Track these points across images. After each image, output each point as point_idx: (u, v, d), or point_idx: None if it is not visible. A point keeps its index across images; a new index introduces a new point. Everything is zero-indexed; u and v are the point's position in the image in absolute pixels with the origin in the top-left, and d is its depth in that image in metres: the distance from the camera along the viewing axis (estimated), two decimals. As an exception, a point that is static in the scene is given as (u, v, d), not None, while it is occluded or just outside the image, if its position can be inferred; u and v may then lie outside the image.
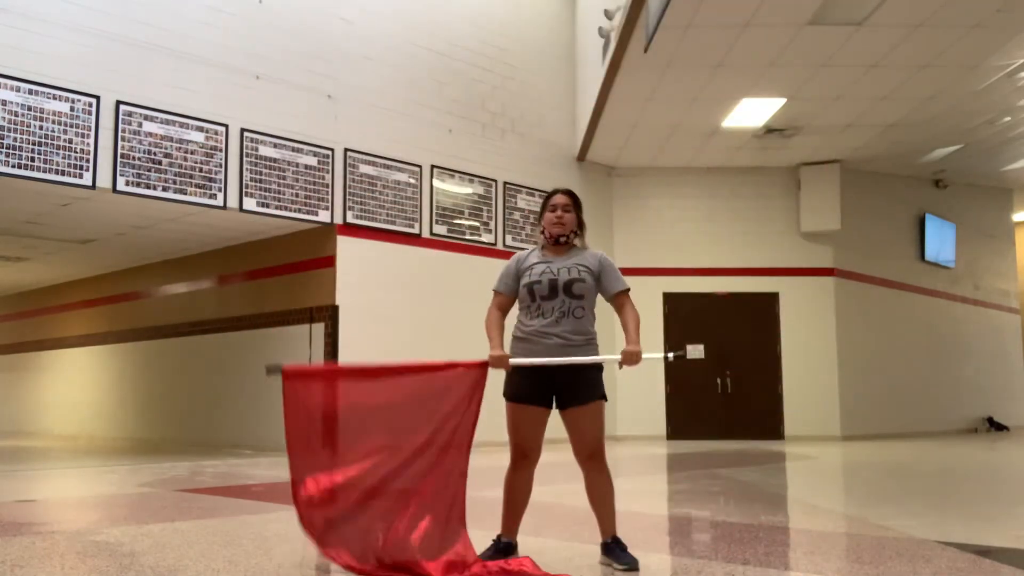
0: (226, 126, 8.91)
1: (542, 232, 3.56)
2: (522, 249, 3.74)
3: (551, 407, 3.40)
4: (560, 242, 3.51)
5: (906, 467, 8.74)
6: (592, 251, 3.55)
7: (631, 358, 3.31)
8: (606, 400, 3.41)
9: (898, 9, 8.06)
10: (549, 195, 3.60)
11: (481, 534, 3.72)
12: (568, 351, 3.34)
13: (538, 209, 3.68)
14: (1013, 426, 16.44)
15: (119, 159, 8.15)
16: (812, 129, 11.60)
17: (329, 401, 3.29)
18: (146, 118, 8.35)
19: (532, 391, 3.37)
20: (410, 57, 10.65)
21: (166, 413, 12.33)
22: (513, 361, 3.34)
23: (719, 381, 12.87)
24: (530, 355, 3.37)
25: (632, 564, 3.23)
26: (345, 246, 9.84)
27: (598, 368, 3.41)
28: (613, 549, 3.32)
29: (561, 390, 3.36)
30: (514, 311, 3.60)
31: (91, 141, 8.00)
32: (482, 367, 3.32)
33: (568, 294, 3.38)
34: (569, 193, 3.58)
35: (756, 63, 9.43)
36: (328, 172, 9.72)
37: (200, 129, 8.72)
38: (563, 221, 3.50)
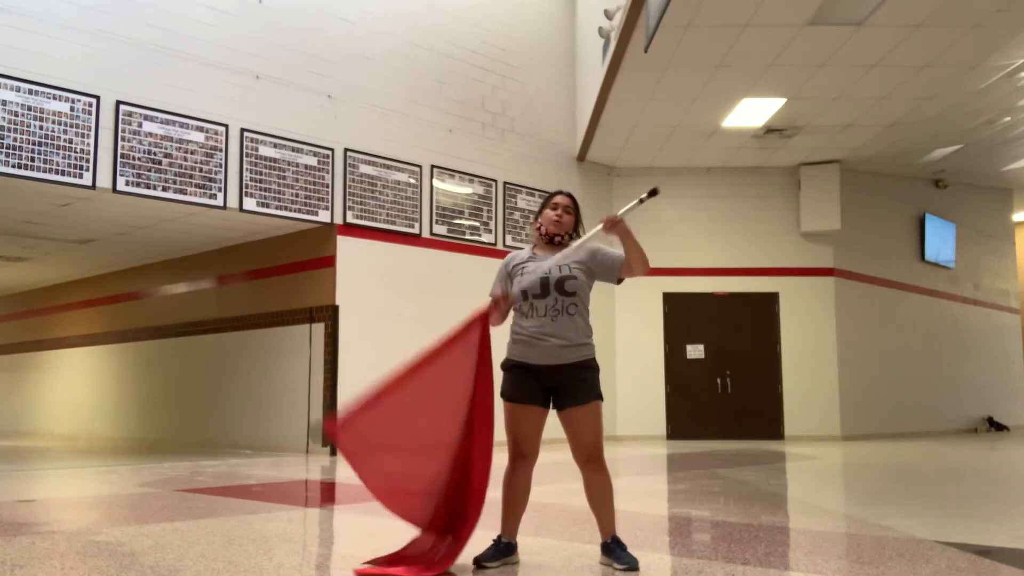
0: (226, 126, 8.91)
1: (537, 229, 3.56)
2: (520, 249, 3.72)
3: (549, 407, 3.40)
4: (555, 242, 3.51)
5: (906, 467, 8.74)
6: (579, 250, 3.53)
7: (610, 219, 3.28)
8: (602, 400, 3.40)
9: (898, 9, 8.06)
10: (551, 195, 3.60)
11: (481, 534, 3.73)
12: (567, 352, 3.34)
13: (537, 209, 3.67)
14: (1013, 426, 16.44)
15: (119, 159, 8.15)
16: (812, 129, 11.60)
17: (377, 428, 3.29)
18: (146, 118, 8.35)
19: (529, 391, 3.36)
20: (410, 57, 10.65)
21: (166, 413, 12.33)
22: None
23: (719, 381, 12.87)
24: (529, 357, 3.37)
25: (632, 564, 3.23)
26: (345, 246, 9.84)
27: (594, 368, 3.40)
28: (613, 549, 3.31)
29: (558, 391, 3.36)
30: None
31: (91, 141, 8.00)
32: (482, 321, 3.41)
33: (560, 291, 3.36)
34: (571, 196, 3.60)
35: (756, 63, 9.43)
36: (328, 172, 9.72)
37: (200, 129, 8.72)
38: (562, 221, 3.51)
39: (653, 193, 3.42)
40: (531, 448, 3.39)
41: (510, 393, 3.39)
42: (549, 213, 3.52)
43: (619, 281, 3.55)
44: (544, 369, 3.35)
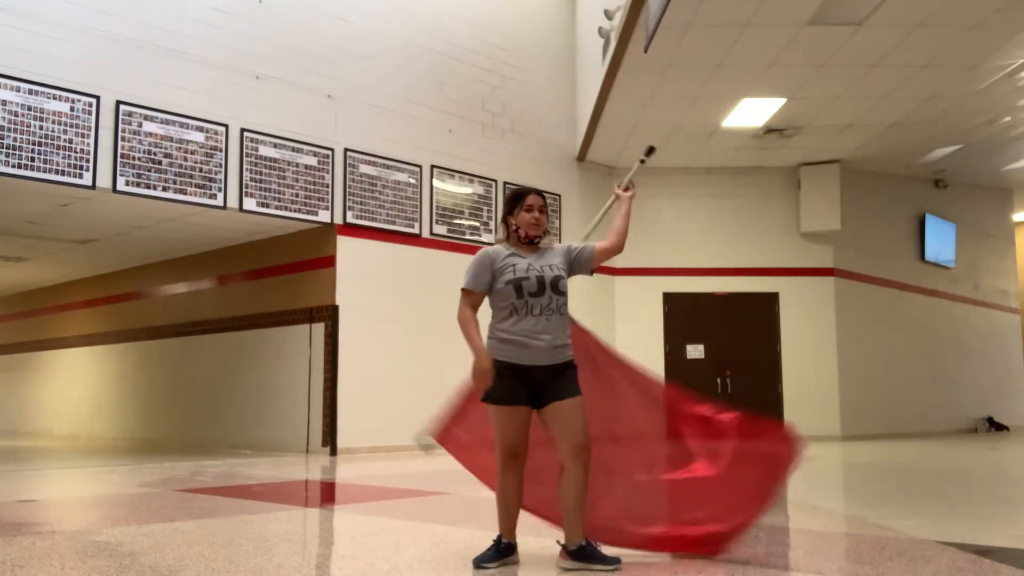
0: (226, 126, 8.91)
1: (515, 231, 3.51)
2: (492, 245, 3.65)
3: (533, 405, 3.39)
4: (534, 242, 3.52)
5: (906, 467, 8.73)
6: (553, 248, 3.57)
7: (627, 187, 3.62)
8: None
9: (898, 9, 8.06)
10: (521, 195, 3.52)
11: (481, 534, 3.73)
12: (557, 353, 3.37)
13: (505, 207, 3.60)
14: (1013, 426, 16.43)
15: (119, 159, 8.15)
16: (812, 129, 11.60)
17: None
18: (146, 118, 8.35)
19: (518, 392, 3.35)
20: (410, 57, 10.65)
21: (166, 413, 12.33)
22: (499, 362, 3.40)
23: (719, 381, 12.87)
24: (520, 358, 3.35)
25: (617, 561, 3.25)
26: (345, 246, 9.85)
27: (575, 367, 3.44)
28: (593, 552, 3.27)
29: (542, 389, 3.36)
30: (484, 312, 3.54)
31: (91, 141, 8.00)
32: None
33: (555, 291, 3.40)
34: (542, 195, 3.59)
35: (756, 63, 9.43)
36: (328, 172, 9.72)
37: (200, 129, 8.72)
38: (540, 222, 3.51)
39: (651, 151, 3.65)
40: (522, 448, 3.39)
41: (496, 396, 3.37)
42: (526, 215, 3.48)
43: (592, 272, 3.65)
44: (532, 369, 3.35)
